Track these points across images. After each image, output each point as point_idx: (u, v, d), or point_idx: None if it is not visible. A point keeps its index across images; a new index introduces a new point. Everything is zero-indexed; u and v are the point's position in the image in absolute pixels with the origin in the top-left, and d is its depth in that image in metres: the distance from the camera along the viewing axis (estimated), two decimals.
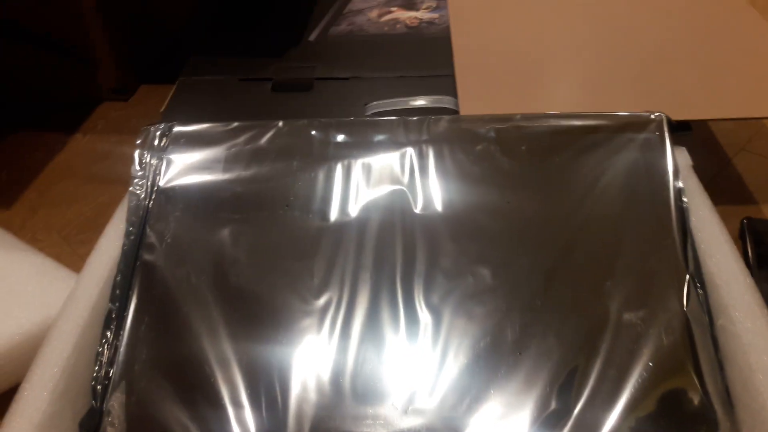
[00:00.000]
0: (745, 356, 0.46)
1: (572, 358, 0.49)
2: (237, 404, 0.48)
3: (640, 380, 0.47)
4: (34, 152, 0.93)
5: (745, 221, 0.67)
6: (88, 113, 1.00)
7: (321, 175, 0.60)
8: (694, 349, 0.48)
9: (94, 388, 0.50)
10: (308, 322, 0.52)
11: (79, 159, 0.92)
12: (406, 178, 0.59)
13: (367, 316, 0.52)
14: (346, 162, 0.61)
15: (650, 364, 0.48)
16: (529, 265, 0.53)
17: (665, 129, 0.59)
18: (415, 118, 0.63)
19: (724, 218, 0.56)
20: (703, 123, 0.81)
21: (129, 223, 0.59)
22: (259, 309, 0.53)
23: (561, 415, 0.46)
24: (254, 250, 0.56)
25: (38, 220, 0.83)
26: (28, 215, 0.84)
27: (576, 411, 0.46)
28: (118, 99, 1.02)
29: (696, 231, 0.54)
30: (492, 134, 0.61)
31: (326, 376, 0.49)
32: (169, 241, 0.57)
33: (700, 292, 0.51)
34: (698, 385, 0.47)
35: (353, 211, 0.58)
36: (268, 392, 0.49)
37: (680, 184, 0.56)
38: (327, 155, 0.61)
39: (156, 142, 0.64)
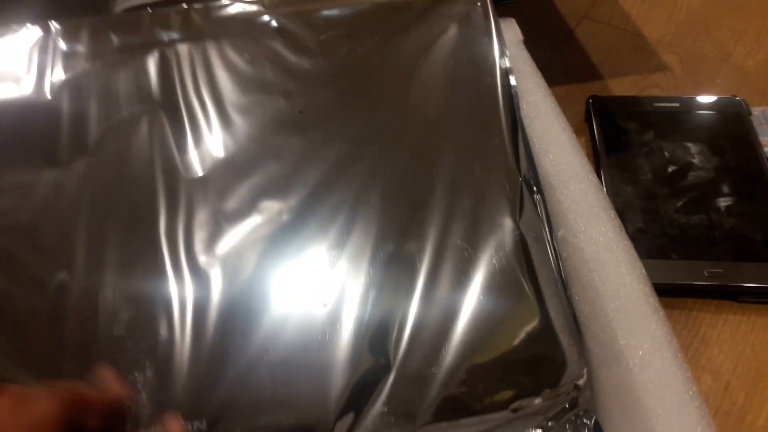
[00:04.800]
0: (590, 274, 0.37)
1: (387, 301, 0.38)
2: None
3: (471, 317, 0.38)
4: None
5: (590, 100, 0.58)
6: None
7: (41, 109, 0.44)
8: (531, 270, 0.39)
9: None
10: (37, 311, 0.38)
11: None
12: (158, 94, 0.44)
13: (119, 287, 0.39)
14: (73, 80, 0.44)
15: (481, 297, 0.38)
16: (330, 189, 0.41)
17: None
18: (170, 8, 0.47)
19: (569, 99, 0.46)
20: None
21: None
22: None
23: (378, 373, 0.37)
24: None
25: None
26: None
27: (395, 366, 0.37)
28: None
29: (528, 121, 0.44)
30: (273, 24, 0.47)
31: None
32: None
33: (537, 197, 0.41)
34: (540, 314, 0.38)
35: (90, 150, 0.43)
36: None
37: (508, 64, 0.45)
38: (48, 73, 0.45)
39: None
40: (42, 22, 0.46)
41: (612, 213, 0.39)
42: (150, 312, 0.38)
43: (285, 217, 0.41)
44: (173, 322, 0.37)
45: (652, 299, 0.36)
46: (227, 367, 0.37)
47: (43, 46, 0.45)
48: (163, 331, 0.37)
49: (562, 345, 0.37)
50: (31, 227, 0.40)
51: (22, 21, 0.46)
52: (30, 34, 0.46)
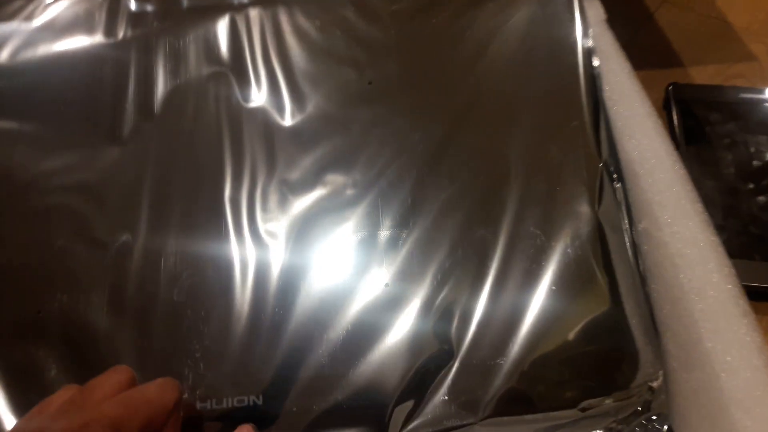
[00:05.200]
0: (675, 270, 0.35)
1: (453, 288, 0.37)
2: None
3: (540, 310, 0.36)
4: None
5: (670, 88, 0.55)
6: None
7: (109, 70, 0.43)
8: (608, 261, 0.37)
9: None
10: (98, 272, 0.37)
11: None
12: (227, 58, 0.43)
13: (180, 252, 0.38)
14: (141, 40, 0.44)
15: (553, 287, 0.36)
16: (398, 167, 0.40)
17: None
18: None
19: (646, 86, 0.43)
20: None
21: None
22: (35, 254, 0.38)
23: (441, 360, 0.35)
24: (17, 181, 0.40)
25: None
26: None
27: (460, 355, 0.35)
28: None
29: (610, 103, 0.41)
30: None
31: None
32: None
33: (617, 185, 0.38)
34: (614, 310, 0.36)
35: (157, 111, 0.42)
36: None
37: (590, 44, 0.42)
38: (116, 32, 0.44)
39: None
40: None
41: (699, 206, 0.37)
42: (211, 280, 0.37)
43: (349, 191, 0.39)
44: (233, 292, 0.36)
45: (742, 301, 0.34)
46: (285, 343, 0.36)
47: (112, 5, 0.45)
48: (222, 300, 0.36)
49: (636, 343, 0.35)
50: (96, 186, 0.39)
51: None
52: None
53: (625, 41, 0.50)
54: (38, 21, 0.44)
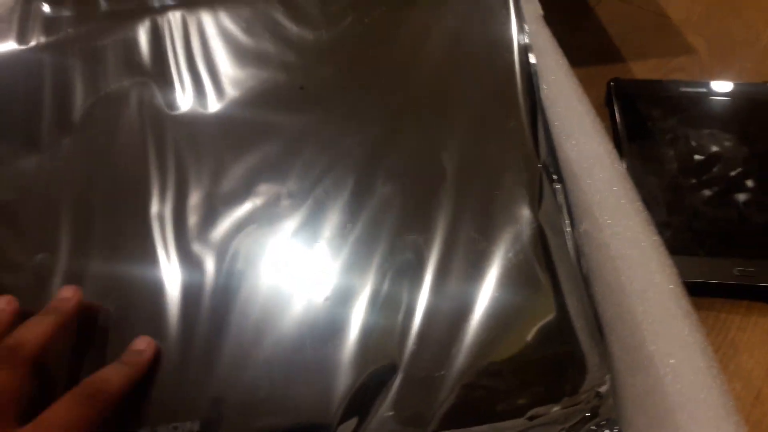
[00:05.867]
0: (616, 272, 0.34)
1: (393, 297, 0.35)
2: None
3: (483, 316, 0.35)
4: None
5: (611, 83, 0.54)
6: None
7: (21, 78, 0.40)
8: (551, 265, 0.36)
9: None
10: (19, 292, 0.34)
11: None
12: (149, 65, 0.41)
13: (104, 271, 0.35)
14: (57, 47, 0.41)
15: (495, 294, 0.35)
16: (333, 173, 0.38)
17: None
18: None
19: (587, 82, 0.43)
20: None
21: None
22: None
23: (384, 375, 0.34)
24: None
25: None
26: None
27: (402, 368, 0.34)
28: None
29: (548, 102, 0.40)
30: None
31: None
32: None
33: (557, 187, 0.38)
34: (558, 314, 0.35)
35: (76, 124, 0.39)
36: None
37: (526, 40, 0.41)
38: (29, 39, 0.41)
39: None
40: None
41: (639, 205, 0.36)
42: (138, 302, 0.35)
43: (284, 202, 0.38)
44: (163, 313, 0.34)
45: (684, 302, 0.33)
46: (220, 364, 0.34)
47: (25, 9, 0.42)
48: (151, 323, 0.34)
49: (582, 348, 0.34)
50: (10, 204, 0.37)
51: None
52: None
53: (564, 37, 0.50)
54: None
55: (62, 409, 0.28)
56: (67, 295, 0.33)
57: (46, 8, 0.42)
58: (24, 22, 0.42)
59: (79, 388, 0.29)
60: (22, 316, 0.32)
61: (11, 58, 0.41)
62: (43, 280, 0.35)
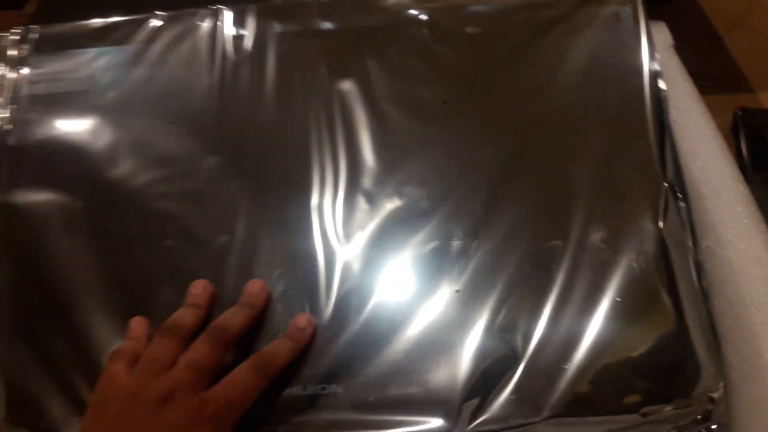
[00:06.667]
0: (737, 286, 0.36)
1: (520, 295, 0.39)
2: None
3: (605, 319, 0.38)
4: None
5: (738, 112, 0.56)
6: None
7: (208, 83, 0.47)
8: (671, 277, 0.39)
9: None
10: (204, 268, 0.42)
11: None
12: (314, 80, 0.47)
13: (273, 252, 0.42)
14: (240, 62, 0.48)
15: (618, 299, 0.38)
16: (470, 181, 0.43)
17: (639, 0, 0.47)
18: None
19: (714, 110, 0.45)
20: None
21: None
22: (146, 251, 0.43)
23: (507, 362, 0.38)
24: (134, 178, 0.45)
25: None
26: None
27: (525, 358, 0.37)
28: (10, 7, 0.87)
29: (677, 127, 0.43)
30: (423, 16, 0.48)
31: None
32: (30, 174, 0.46)
33: (681, 205, 0.40)
34: (676, 323, 0.38)
35: (252, 126, 0.46)
36: None
37: (657, 67, 0.44)
38: (216, 52, 0.48)
39: (13, 52, 0.51)
40: (213, 8, 0.50)
41: (763, 227, 0.38)
42: (299, 279, 0.40)
43: (423, 203, 0.42)
44: (319, 290, 0.40)
45: None
46: (365, 338, 0.39)
47: (213, 30, 0.49)
48: (309, 298, 0.40)
49: (697, 355, 0.37)
50: (199, 192, 0.44)
51: (195, 7, 0.50)
52: (202, 18, 0.50)
53: (693, 66, 0.52)
54: (147, 45, 0.49)
55: (243, 377, 0.35)
56: (257, 292, 0.39)
57: (230, 29, 0.49)
58: (211, 39, 0.49)
59: (254, 359, 0.36)
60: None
61: (201, 69, 0.48)
62: (222, 258, 0.42)
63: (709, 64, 0.62)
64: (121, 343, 0.38)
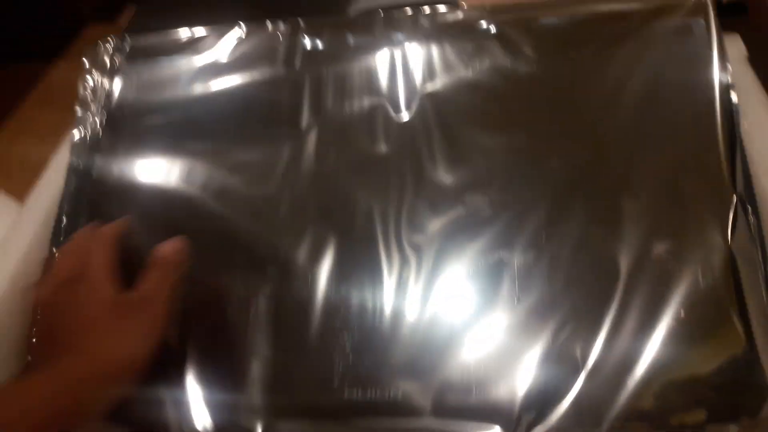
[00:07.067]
0: None
1: (582, 306, 0.39)
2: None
3: (668, 333, 0.38)
4: (14, 84, 0.86)
5: None
6: (71, 39, 0.91)
7: (286, 90, 0.50)
8: (740, 293, 0.38)
9: None
10: (273, 265, 0.44)
11: (59, 88, 0.85)
12: (385, 88, 0.48)
13: (339, 255, 0.43)
14: (315, 71, 0.50)
15: (682, 312, 0.37)
16: (534, 191, 0.43)
17: (711, 11, 0.46)
18: (399, 11, 0.51)
19: None
20: (762, 1, 0.65)
21: (74, 156, 0.51)
22: (223, 248, 0.46)
23: (568, 373, 0.38)
24: (213, 184, 0.48)
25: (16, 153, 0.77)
26: (5, 148, 0.77)
27: (586, 370, 0.37)
28: (104, 19, 0.93)
29: (748, 140, 0.42)
30: (492, 28, 0.49)
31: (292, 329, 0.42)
32: (117, 176, 0.49)
33: (751, 219, 0.39)
34: (744, 341, 0.37)
35: (325, 133, 0.48)
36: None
37: (729, 80, 0.43)
38: (294, 63, 0.51)
39: (106, 61, 0.55)
40: (291, 20, 0.52)
41: None
42: (363, 282, 0.42)
43: (486, 212, 0.43)
44: (381, 294, 0.41)
45: None
46: (424, 344, 0.40)
47: (291, 42, 0.52)
48: (371, 302, 0.41)
49: (766, 375, 0.36)
50: (271, 199, 0.46)
51: (275, 19, 0.53)
52: (281, 30, 0.52)
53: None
54: (228, 54, 0.52)
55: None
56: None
57: (307, 41, 0.52)
58: (290, 51, 0.51)
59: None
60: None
61: (279, 78, 0.50)
62: (290, 260, 0.44)
63: None
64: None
